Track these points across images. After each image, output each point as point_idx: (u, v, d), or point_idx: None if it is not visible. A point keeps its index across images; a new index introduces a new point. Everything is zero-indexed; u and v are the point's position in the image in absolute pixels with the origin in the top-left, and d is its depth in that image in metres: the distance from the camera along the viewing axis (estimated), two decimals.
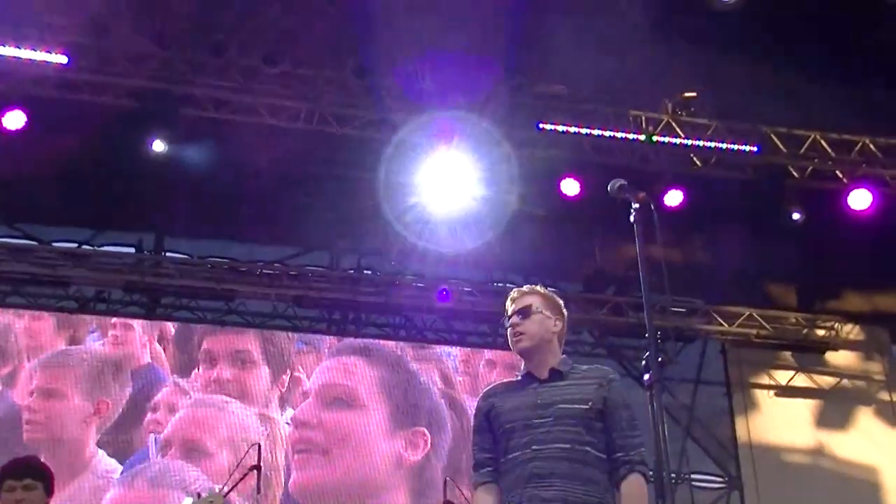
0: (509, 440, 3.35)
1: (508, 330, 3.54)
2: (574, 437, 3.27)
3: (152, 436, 9.24)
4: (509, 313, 3.56)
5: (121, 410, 9.39)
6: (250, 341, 10.04)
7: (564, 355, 3.55)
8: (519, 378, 3.55)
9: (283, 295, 10.29)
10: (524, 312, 3.50)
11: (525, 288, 3.64)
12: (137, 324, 9.89)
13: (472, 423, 3.67)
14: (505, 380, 3.64)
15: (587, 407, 3.32)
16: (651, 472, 3.24)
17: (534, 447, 3.27)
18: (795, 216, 9.66)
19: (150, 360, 9.68)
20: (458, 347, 10.71)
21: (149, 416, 9.39)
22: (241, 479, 7.15)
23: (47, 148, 8.86)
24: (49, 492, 4.27)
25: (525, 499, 3.20)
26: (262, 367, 9.89)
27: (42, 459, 4.84)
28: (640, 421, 3.26)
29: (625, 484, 3.26)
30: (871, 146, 9.79)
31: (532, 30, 9.38)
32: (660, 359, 3.04)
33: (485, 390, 3.63)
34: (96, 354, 9.59)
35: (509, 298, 3.60)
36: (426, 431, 9.71)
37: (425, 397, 10.01)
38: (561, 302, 3.59)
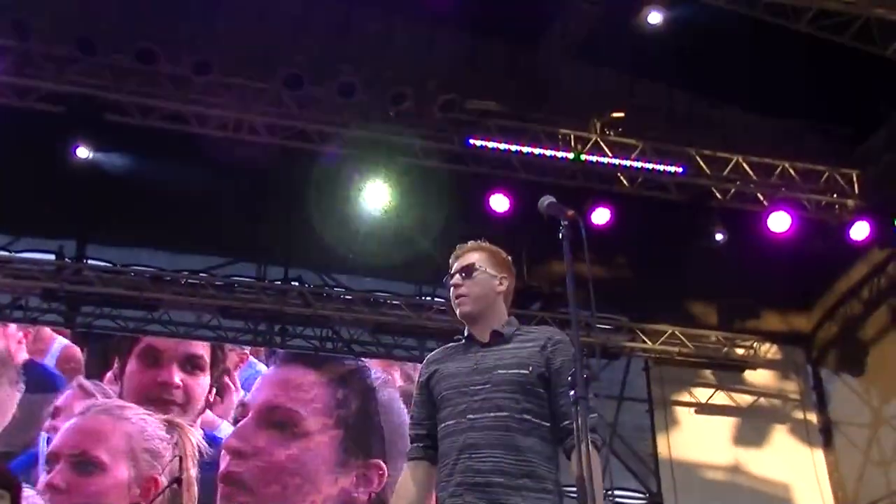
0: (446, 407, 3.20)
1: (450, 290, 3.37)
2: (511, 405, 3.10)
3: (43, 434, 8.39)
4: (452, 271, 3.38)
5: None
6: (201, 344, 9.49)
7: (511, 317, 3.38)
8: (461, 342, 3.37)
9: (208, 305, 10.13)
10: (467, 271, 3.33)
11: (469, 243, 3.45)
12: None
13: None
14: (448, 344, 3.44)
15: (527, 372, 3.15)
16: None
17: (469, 416, 3.11)
18: (718, 237, 9.89)
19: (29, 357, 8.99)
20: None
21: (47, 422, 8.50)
22: (161, 492, 6.97)
23: None
24: (16, 500, 4.17)
25: (458, 471, 3.06)
26: (206, 375, 9.24)
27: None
28: None
29: (573, 455, 3.06)
30: (791, 170, 10.08)
31: (465, 47, 9.49)
32: (585, 375, 3.01)
33: (427, 357, 3.45)
34: None
35: (453, 255, 3.43)
36: (382, 464, 8.73)
37: (387, 416, 9.02)
38: (508, 258, 3.44)
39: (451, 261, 3.41)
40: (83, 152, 8.55)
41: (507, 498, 2.98)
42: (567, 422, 3.06)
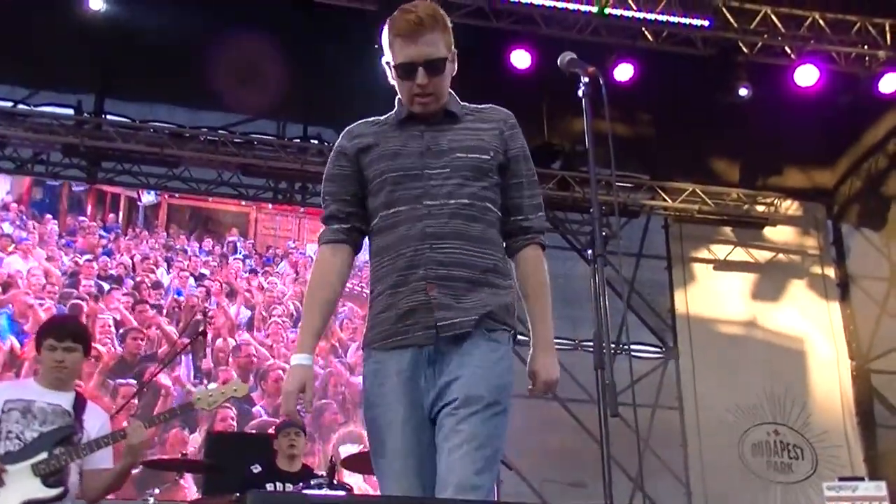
0: (392, 192, 2.83)
1: (406, 85, 2.86)
2: (473, 192, 2.82)
3: None
4: (410, 59, 2.82)
5: None
6: None
7: (451, 91, 2.95)
8: (394, 119, 2.96)
9: (228, 163, 10.15)
10: (438, 66, 2.84)
11: (426, 11, 2.83)
12: None
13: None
14: (375, 118, 3.01)
15: (489, 157, 2.87)
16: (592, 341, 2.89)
17: (426, 202, 2.79)
18: (742, 92, 9.71)
19: None
20: None
21: None
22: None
23: None
24: (87, 353, 4.39)
25: (421, 263, 2.76)
26: None
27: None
28: (585, 291, 3.14)
29: (522, 256, 2.93)
30: (821, 21, 9.79)
31: None
32: (604, 233, 3.01)
33: (349, 128, 3.01)
34: None
35: (403, 30, 2.82)
36: None
37: None
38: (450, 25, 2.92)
39: (402, 39, 2.82)
40: (97, 3, 8.38)
41: (471, 291, 2.78)
42: (519, 216, 2.93)
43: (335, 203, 2.97)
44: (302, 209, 10.39)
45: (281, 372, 9.11)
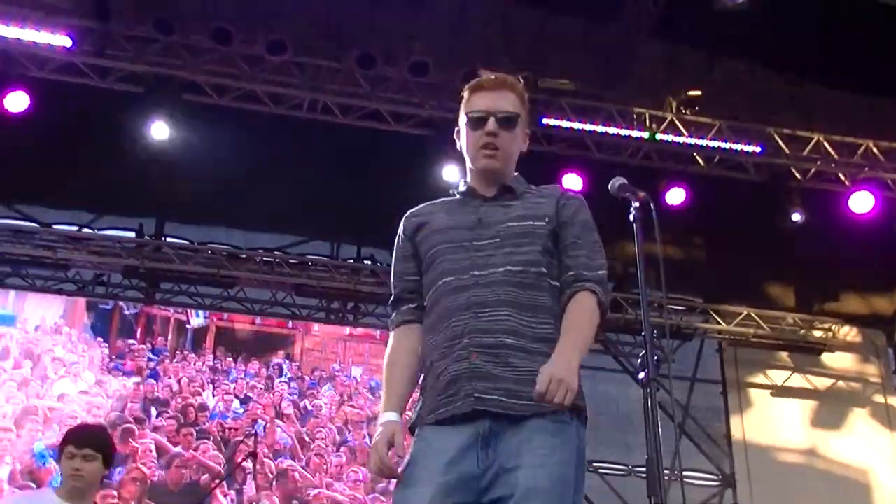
0: (441, 265, 2.77)
1: (475, 134, 2.85)
2: (526, 259, 2.72)
3: None
4: (484, 108, 2.85)
5: None
6: None
7: (517, 173, 2.95)
8: (456, 196, 2.94)
9: (283, 283, 10.29)
10: (511, 121, 2.86)
11: (507, 78, 2.92)
12: None
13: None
14: (434, 200, 2.98)
15: (543, 223, 2.78)
16: (644, 468, 2.74)
17: (473, 273, 2.70)
18: (796, 217, 9.67)
19: None
20: None
21: None
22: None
23: (50, 130, 8.88)
24: (108, 464, 4.24)
25: (463, 332, 2.64)
26: None
27: (107, 429, 4.85)
28: (639, 415, 2.98)
29: (571, 301, 2.71)
30: (874, 149, 9.79)
31: (539, 24, 9.39)
32: (656, 357, 2.96)
33: (408, 212, 2.99)
34: None
35: (481, 85, 2.89)
36: None
37: None
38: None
39: (479, 92, 2.89)
40: (160, 130, 8.69)
41: (521, 362, 2.60)
42: (571, 273, 2.76)
43: (400, 284, 2.93)
44: (347, 331, 10.43)
45: (325, 501, 9.06)
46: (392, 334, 2.91)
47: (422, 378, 2.79)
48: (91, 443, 4.16)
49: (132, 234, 10.21)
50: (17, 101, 8.37)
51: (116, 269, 9.98)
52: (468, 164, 2.96)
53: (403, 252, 2.94)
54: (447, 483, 2.52)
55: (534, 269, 2.72)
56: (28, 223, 9.94)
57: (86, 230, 10.09)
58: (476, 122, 2.87)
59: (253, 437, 6.59)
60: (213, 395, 9.56)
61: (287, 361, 10.01)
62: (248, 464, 8.25)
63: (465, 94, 2.95)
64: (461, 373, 2.61)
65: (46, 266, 9.78)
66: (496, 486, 2.51)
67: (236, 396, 9.62)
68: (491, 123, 2.84)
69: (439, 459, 2.56)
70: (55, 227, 9.97)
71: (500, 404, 2.56)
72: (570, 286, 2.75)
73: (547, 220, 2.80)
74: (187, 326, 9.98)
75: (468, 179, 2.96)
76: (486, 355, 2.61)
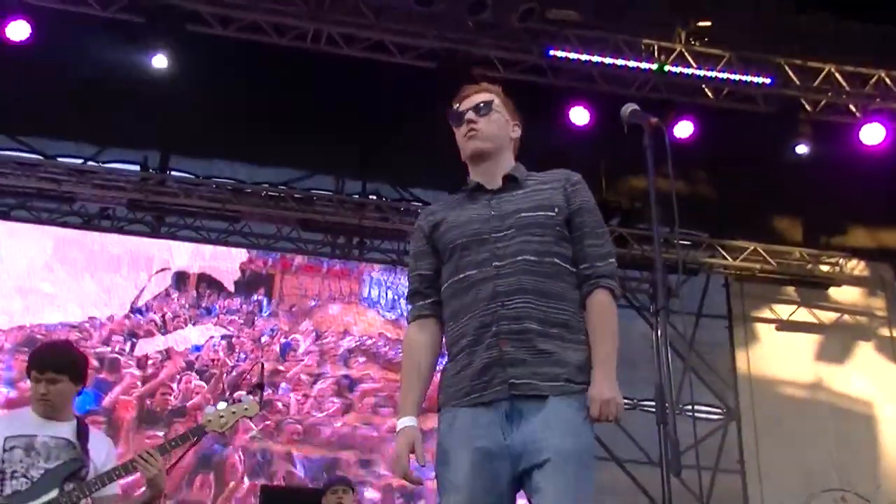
0: (461, 258, 2.95)
1: (460, 129, 3.09)
2: (540, 248, 2.90)
3: None
4: (461, 108, 3.10)
5: None
6: None
7: (518, 162, 3.15)
8: (465, 192, 3.12)
9: (288, 217, 10.27)
10: (483, 107, 3.07)
11: (481, 83, 3.19)
12: None
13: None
14: (447, 197, 3.19)
15: (553, 213, 2.95)
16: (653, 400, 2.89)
17: (495, 263, 2.88)
18: (801, 149, 9.55)
19: None
20: None
21: None
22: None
23: (52, 61, 8.77)
24: (77, 380, 4.17)
25: (491, 321, 2.82)
26: None
27: (71, 346, 4.75)
28: (644, 350, 3.09)
29: (589, 301, 2.91)
30: (886, 80, 9.63)
31: None
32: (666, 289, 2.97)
33: (424, 209, 3.21)
34: None
35: (459, 96, 3.14)
36: None
37: None
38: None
39: (457, 101, 3.14)
40: (162, 62, 8.58)
41: (544, 345, 2.81)
42: (586, 265, 2.94)
43: (416, 279, 3.10)
44: (325, 268, 10.41)
45: (299, 426, 9.32)
46: (409, 327, 3.09)
47: (447, 361, 2.97)
48: (53, 365, 4.10)
49: (136, 168, 10.17)
50: (19, 30, 8.25)
51: (121, 203, 9.96)
52: (468, 164, 3.16)
53: (420, 248, 3.11)
54: (483, 448, 2.76)
55: (548, 259, 2.91)
56: (32, 155, 9.89)
57: (90, 163, 10.04)
58: (457, 119, 3.11)
59: (260, 367, 6.61)
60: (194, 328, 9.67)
61: (266, 298, 10.01)
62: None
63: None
64: (493, 360, 2.81)
65: (51, 199, 9.77)
66: (527, 454, 2.74)
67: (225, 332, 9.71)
68: (469, 113, 3.08)
69: (473, 431, 2.80)
70: (59, 159, 9.93)
71: (531, 387, 2.78)
72: (587, 281, 2.94)
73: (556, 210, 2.96)
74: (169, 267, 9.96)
75: (473, 176, 3.12)
76: (514, 342, 2.80)
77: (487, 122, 3.07)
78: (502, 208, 2.98)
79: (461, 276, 2.93)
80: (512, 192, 3.02)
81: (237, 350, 9.66)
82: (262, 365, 7.21)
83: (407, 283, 3.15)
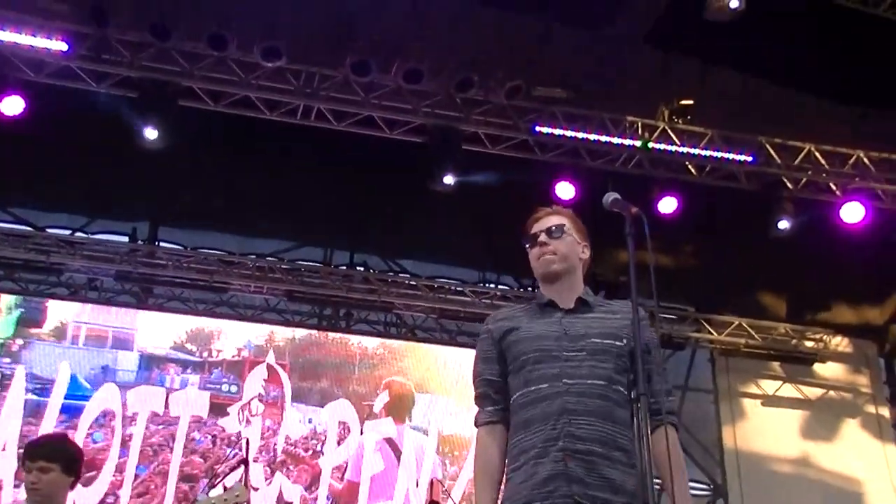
0: (532, 371, 3.09)
1: (533, 251, 3.29)
2: (608, 375, 3.06)
3: None
4: (534, 230, 3.30)
5: None
6: None
7: (587, 288, 3.33)
8: (535, 305, 3.28)
9: (275, 289, 10.30)
10: (556, 231, 3.27)
11: (553, 207, 3.40)
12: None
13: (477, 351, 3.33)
14: (515, 306, 3.38)
15: (621, 344, 3.11)
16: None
17: (564, 380, 3.03)
18: (783, 224, 9.67)
19: None
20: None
21: None
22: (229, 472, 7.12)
23: (44, 133, 8.86)
24: (71, 472, 4.05)
25: (560, 436, 2.96)
26: None
27: (66, 437, 4.68)
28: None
29: (658, 435, 3.03)
30: (865, 159, 9.83)
31: (531, 34, 9.40)
32: (649, 367, 3.02)
33: (494, 314, 3.37)
34: None
35: (532, 218, 3.34)
36: None
37: None
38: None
39: (531, 224, 3.34)
40: (154, 135, 8.68)
41: (604, 469, 2.94)
42: (653, 400, 3.02)
43: (485, 384, 3.24)
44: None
45: None
46: (480, 430, 3.23)
47: (511, 468, 3.10)
48: (44, 454, 4.00)
49: (125, 239, 10.21)
50: (13, 105, 8.36)
51: (109, 274, 9.98)
52: (540, 282, 3.34)
53: (490, 354, 3.26)
54: None
55: (614, 385, 3.07)
56: (22, 226, 9.94)
57: (79, 234, 10.08)
58: (531, 241, 3.31)
59: (246, 443, 6.56)
60: None
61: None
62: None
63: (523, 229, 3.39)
64: (557, 473, 2.95)
65: (39, 270, 9.78)
66: None
67: None
68: (542, 236, 3.28)
69: None
70: (49, 230, 9.97)
71: None
72: (655, 416, 3.02)
73: (625, 340, 3.11)
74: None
75: (545, 293, 3.29)
76: (577, 461, 2.95)
77: (560, 244, 3.27)
78: (573, 329, 3.15)
79: (532, 388, 3.08)
80: (583, 315, 3.20)
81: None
82: (247, 441, 7.13)
83: (475, 387, 3.28)
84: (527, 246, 3.33)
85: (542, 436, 2.99)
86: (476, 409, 3.28)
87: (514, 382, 3.15)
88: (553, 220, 3.31)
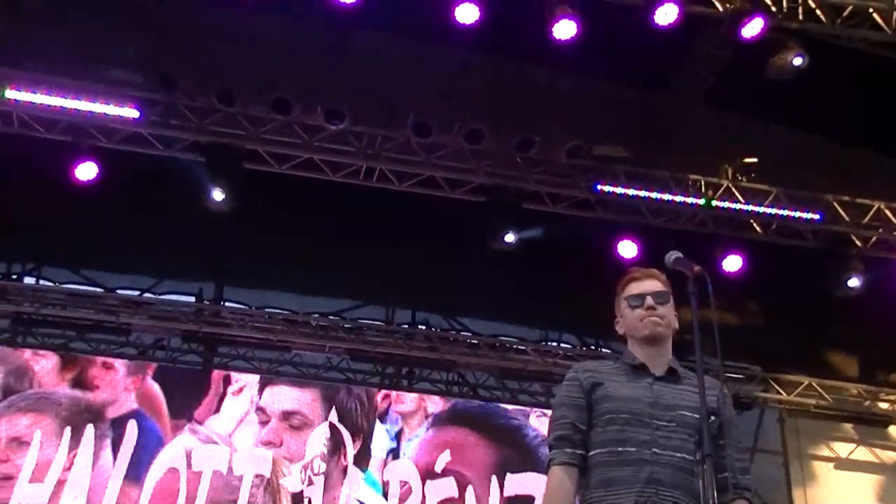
0: (621, 432, 3.15)
1: (637, 311, 3.31)
2: (693, 448, 3.12)
3: None
4: (640, 291, 3.34)
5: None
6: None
7: (673, 357, 3.39)
8: (624, 364, 3.33)
9: (337, 348, 10.36)
10: (664, 297, 3.33)
11: (654, 270, 3.43)
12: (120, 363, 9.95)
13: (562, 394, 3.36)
14: (602, 361, 3.43)
15: (710, 420, 3.11)
16: None
17: (654, 449, 3.10)
18: (853, 282, 9.45)
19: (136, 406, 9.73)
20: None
21: None
22: None
23: (115, 197, 9.13)
24: None
25: (644, 501, 3.03)
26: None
27: None
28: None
29: None
30: None
31: (592, 92, 9.46)
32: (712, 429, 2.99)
33: (580, 364, 3.42)
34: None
35: (630, 277, 3.40)
36: None
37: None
38: None
39: (630, 283, 3.39)
40: (220, 197, 8.83)
41: None
42: (728, 474, 3.07)
43: (568, 428, 3.24)
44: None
45: None
46: (554, 469, 3.23)
47: None
48: None
49: (191, 299, 10.39)
50: (87, 171, 8.62)
51: (175, 334, 10.15)
52: (632, 343, 3.38)
53: (577, 402, 3.27)
54: None
55: (695, 459, 3.11)
56: (92, 288, 10.18)
57: (147, 295, 10.29)
58: (635, 301, 3.35)
59: None
60: None
61: None
62: None
63: (621, 286, 3.44)
64: None
65: (108, 330, 9.98)
66: None
67: None
68: (649, 299, 3.33)
69: None
70: (118, 291, 10.19)
71: None
72: (732, 490, 3.07)
73: (712, 417, 3.10)
74: None
75: (638, 355, 3.33)
76: None
77: (667, 311, 3.34)
78: (664, 398, 3.20)
79: (621, 449, 3.12)
80: (673, 385, 3.25)
81: None
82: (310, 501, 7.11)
83: (555, 428, 3.28)
84: (630, 303, 3.36)
85: (629, 498, 3.04)
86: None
87: (598, 436, 3.19)
88: (658, 286, 3.36)
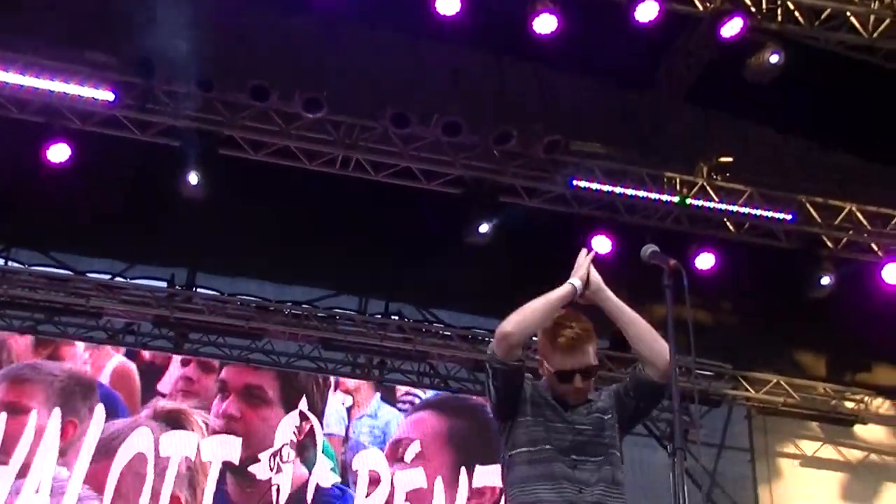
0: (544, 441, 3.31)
1: (563, 386, 3.31)
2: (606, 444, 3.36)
3: None
4: (572, 367, 3.29)
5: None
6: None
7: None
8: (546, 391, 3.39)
9: (310, 336, 10.33)
10: (592, 373, 3.35)
11: (584, 330, 3.35)
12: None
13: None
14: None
15: (609, 417, 3.40)
16: None
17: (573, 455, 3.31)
18: (825, 280, 9.52)
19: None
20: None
21: None
22: None
23: (88, 181, 9.04)
24: None
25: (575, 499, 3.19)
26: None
27: None
28: (667, 481, 3.15)
29: None
30: None
31: (571, 89, 9.49)
32: (684, 425, 3.00)
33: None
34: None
35: (564, 347, 3.30)
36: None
37: None
38: None
39: (564, 352, 3.32)
40: (195, 183, 8.78)
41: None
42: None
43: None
44: None
45: None
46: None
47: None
48: None
49: (164, 284, 10.32)
50: (59, 153, 8.53)
51: (146, 319, 10.08)
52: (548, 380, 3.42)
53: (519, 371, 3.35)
54: None
55: (615, 454, 3.34)
56: (62, 271, 10.08)
57: (118, 279, 10.20)
58: (563, 379, 3.33)
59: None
60: None
61: None
62: None
63: (545, 345, 3.39)
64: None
65: (78, 314, 9.90)
66: None
67: None
68: (577, 380, 3.32)
69: None
70: (89, 275, 10.10)
71: None
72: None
73: (610, 413, 3.38)
74: None
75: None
76: None
77: (589, 385, 3.37)
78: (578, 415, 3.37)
79: (537, 448, 3.29)
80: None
81: None
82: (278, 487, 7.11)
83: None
84: (558, 380, 3.34)
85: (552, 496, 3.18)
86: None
87: (518, 430, 3.34)
88: (588, 359, 3.32)
